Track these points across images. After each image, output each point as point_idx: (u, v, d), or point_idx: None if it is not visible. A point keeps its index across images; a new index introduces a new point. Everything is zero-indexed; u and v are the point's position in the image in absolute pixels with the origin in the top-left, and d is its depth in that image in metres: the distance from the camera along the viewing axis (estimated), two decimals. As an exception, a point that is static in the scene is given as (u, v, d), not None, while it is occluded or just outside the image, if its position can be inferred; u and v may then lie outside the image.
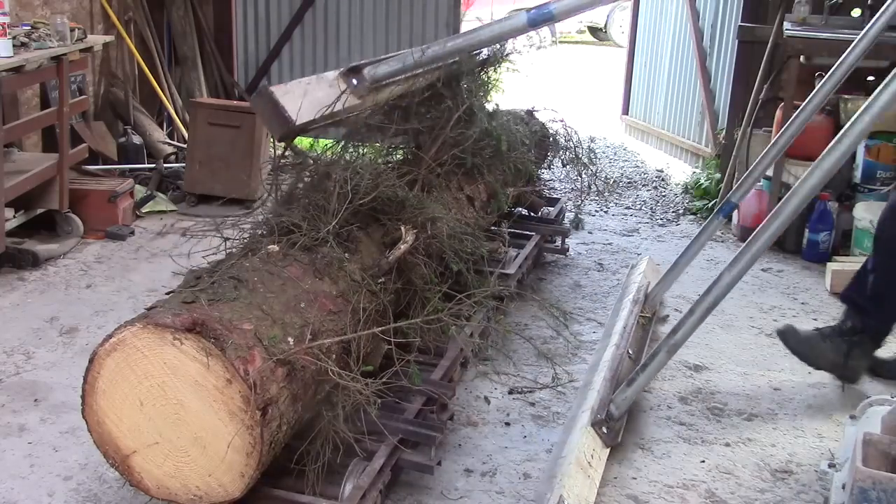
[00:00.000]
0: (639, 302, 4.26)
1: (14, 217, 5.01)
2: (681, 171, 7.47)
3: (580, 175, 5.42)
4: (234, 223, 3.17)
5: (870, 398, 3.08)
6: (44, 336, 4.11)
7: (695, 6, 7.34)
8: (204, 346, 2.33)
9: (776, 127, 5.64)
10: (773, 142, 4.18)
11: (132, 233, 5.52)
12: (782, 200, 3.10)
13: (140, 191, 6.04)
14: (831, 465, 2.77)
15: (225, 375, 2.33)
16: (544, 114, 5.53)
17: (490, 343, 3.94)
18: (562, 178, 6.25)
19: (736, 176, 6.01)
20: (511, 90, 6.96)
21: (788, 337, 3.81)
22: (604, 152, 8.22)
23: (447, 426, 3.19)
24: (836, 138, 2.97)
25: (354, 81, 3.44)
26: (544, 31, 3.98)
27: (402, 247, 3.20)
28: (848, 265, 5.05)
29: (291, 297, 2.70)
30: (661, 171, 7.68)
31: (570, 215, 5.91)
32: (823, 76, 5.58)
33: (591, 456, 3.02)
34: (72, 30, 5.16)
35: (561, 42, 16.28)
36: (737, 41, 6.48)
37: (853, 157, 5.50)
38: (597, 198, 6.48)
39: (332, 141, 3.85)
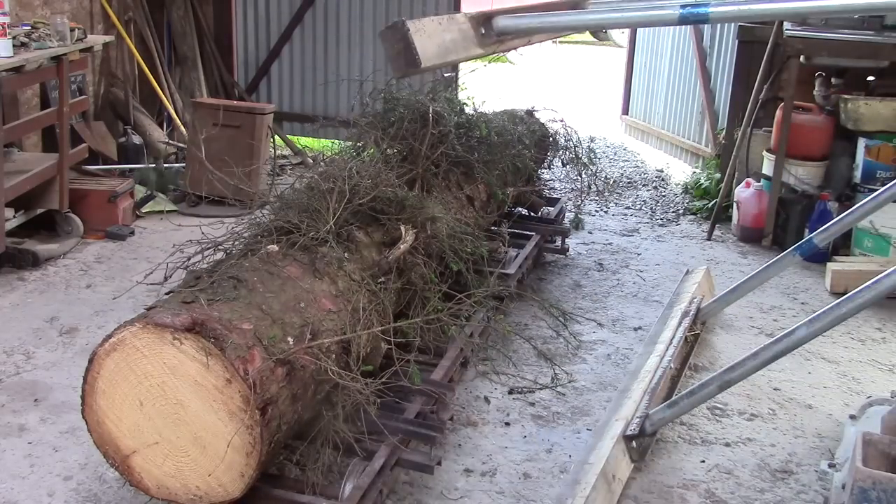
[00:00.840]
0: (690, 315, 4.14)
1: (14, 217, 5.02)
2: (680, 171, 7.47)
3: (580, 175, 5.43)
4: (233, 223, 3.18)
5: (870, 398, 3.09)
6: (44, 336, 4.11)
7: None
8: (203, 345, 2.33)
9: (776, 127, 5.64)
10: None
11: (132, 233, 5.52)
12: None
13: (140, 191, 6.04)
14: (831, 465, 2.77)
15: (224, 375, 2.33)
16: (544, 114, 5.53)
17: (490, 343, 3.94)
18: (562, 178, 6.24)
19: (736, 176, 6.02)
20: (511, 90, 6.96)
21: None
22: (604, 152, 8.22)
23: (447, 426, 3.19)
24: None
25: (482, 31, 3.36)
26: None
27: (402, 246, 3.20)
28: (848, 265, 5.05)
29: (291, 297, 2.70)
30: (661, 171, 7.68)
31: (570, 215, 5.91)
32: (823, 76, 5.64)
33: (617, 469, 2.99)
34: (72, 30, 5.16)
35: (561, 42, 16.27)
36: (737, 41, 6.48)
37: (853, 157, 5.51)
38: (597, 198, 6.48)
39: (331, 141, 3.85)
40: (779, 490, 3.08)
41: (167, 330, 2.35)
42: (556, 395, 3.71)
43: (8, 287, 4.66)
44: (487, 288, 3.53)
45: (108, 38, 6.15)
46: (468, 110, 4.51)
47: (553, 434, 3.41)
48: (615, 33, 16.69)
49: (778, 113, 5.62)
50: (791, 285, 5.03)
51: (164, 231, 5.47)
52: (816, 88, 5.64)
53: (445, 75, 6.19)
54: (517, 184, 4.91)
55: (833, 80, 5.59)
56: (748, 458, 3.28)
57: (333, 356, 2.71)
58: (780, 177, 5.59)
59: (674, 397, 3.25)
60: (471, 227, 3.93)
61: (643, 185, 7.26)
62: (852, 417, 3.01)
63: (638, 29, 8.47)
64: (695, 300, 4.31)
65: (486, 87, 6.75)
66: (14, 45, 4.61)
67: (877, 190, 5.26)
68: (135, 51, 6.79)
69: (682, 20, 2.85)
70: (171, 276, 2.96)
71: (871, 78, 5.54)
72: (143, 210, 5.94)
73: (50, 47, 4.89)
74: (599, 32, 17.52)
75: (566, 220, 5.68)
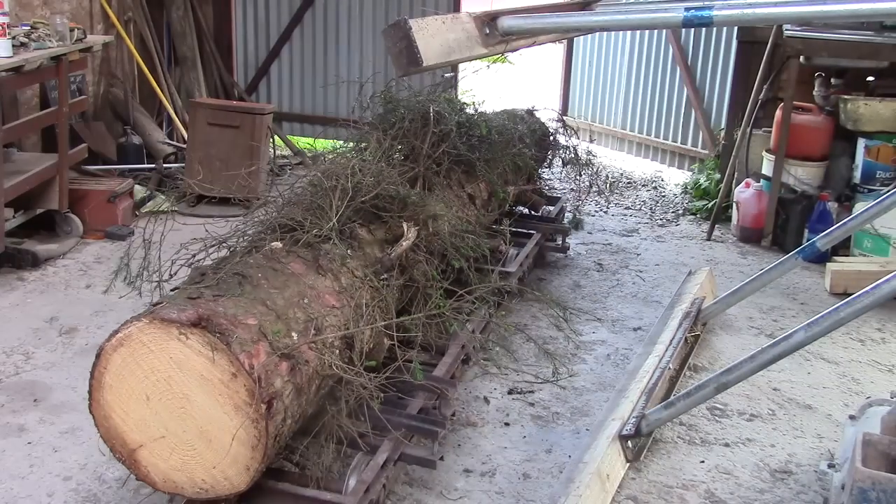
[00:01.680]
0: (690, 316, 4.14)
1: (14, 217, 5.02)
2: (653, 170, 7.49)
3: (579, 174, 5.43)
4: (237, 222, 3.18)
5: (869, 398, 3.09)
6: (43, 336, 4.11)
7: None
8: (209, 340, 2.34)
9: (776, 127, 5.65)
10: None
11: (132, 233, 5.51)
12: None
13: (140, 191, 6.04)
14: (831, 466, 2.77)
15: (230, 369, 2.35)
16: (544, 113, 5.54)
17: (491, 340, 3.94)
18: (561, 177, 6.24)
19: (736, 176, 6.02)
20: (511, 90, 6.96)
21: None
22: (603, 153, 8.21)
23: (450, 421, 3.20)
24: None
25: (487, 31, 3.35)
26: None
27: (404, 244, 3.22)
28: (847, 266, 5.05)
29: (295, 293, 2.72)
30: (661, 171, 7.68)
31: (569, 216, 5.91)
32: (823, 76, 5.64)
33: (612, 469, 3.00)
34: (71, 30, 5.16)
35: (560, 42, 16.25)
36: (735, 40, 6.48)
37: (853, 157, 5.51)
38: (597, 197, 6.48)
39: (331, 141, 3.86)
40: (778, 490, 3.08)
41: (173, 325, 2.36)
42: (556, 395, 3.71)
43: (7, 287, 4.66)
44: (489, 284, 3.54)
45: (108, 39, 6.16)
46: (469, 110, 4.52)
47: (552, 434, 3.41)
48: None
49: (778, 113, 5.62)
50: (791, 285, 5.02)
51: (170, 228, 5.46)
52: (816, 89, 5.64)
53: (445, 75, 6.18)
54: (518, 182, 4.92)
55: (833, 80, 5.60)
56: (748, 458, 3.28)
57: (337, 351, 2.72)
58: (779, 177, 5.60)
59: (671, 398, 3.25)
60: (472, 226, 3.94)
61: (643, 186, 7.26)
62: (852, 418, 3.00)
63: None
64: (696, 301, 4.30)
65: (487, 87, 6.75)
66: (14, 46, 4.60)
67: (876, 190, 5.29)
68: (134, 51, 6.79)
69: (686, 23, 2.85)
70: (175, 274, 2.96)
71: (870, 78, 5.54)
72: (143, 210, 5.94)
73: (49, 47, 4.89)
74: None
75: (566, 220, 5.69)
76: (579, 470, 2.91)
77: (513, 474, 3.14)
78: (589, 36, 8.11)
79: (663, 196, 6.95)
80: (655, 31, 7.32)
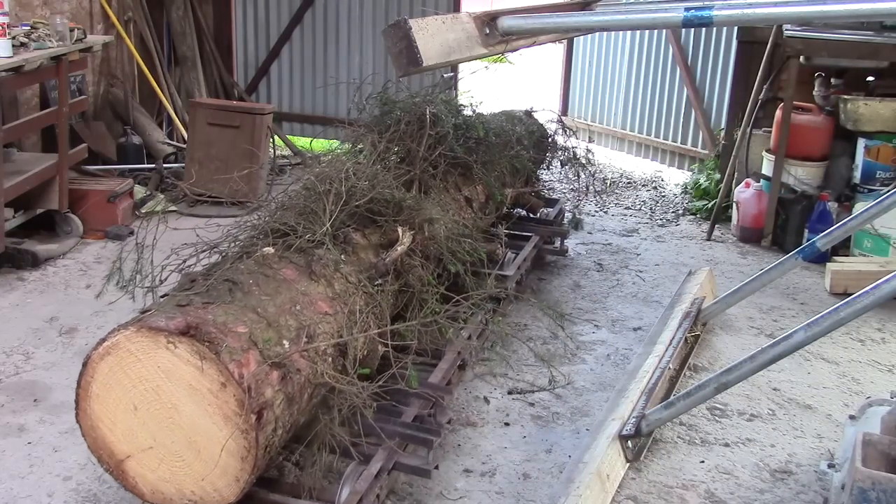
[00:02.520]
0: (690, 316, 4.13)
1: (14, 217, 5.02)
2: (653, 170, 7.48)
3: (578, 175, 5.42)
4: (231, 225, 3.14)
5: (869, 398, 3.08)
6: (43, 336, 4.11)
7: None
8: (198, 349, 2.30)
9: (776, 127, 5.65)
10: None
11: (132, 233, 5.51)
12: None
13: (140, 191, 6.04)
14: (831, 466, 2.77)
15: (219, 379, 2.31)
16: (543, 114, 5.51)
17: (489, 344, 3.93)
18: (560, 178, 6.21)
19: (736, 176, 6.02)
20: (512, 90, 6.96)
21: None
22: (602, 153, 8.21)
23: (445, 429, 3.18)
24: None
25: (487, 31, 3.33)
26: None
27: (399, 248, 3.18)
28: (847, 265, 5.05)
29: (287, 300, 2.68)
30: (661, 171, 7.68)
31: (568, 216, 5.89)
32: (823, 76, 5.64)
33: (612, 469, 3.00)
34: (71, 30, 5.16)
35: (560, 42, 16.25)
36: (735, 40, 6.48)
37: (853, 157, 5.51)
38: (595, 198, 6.47)
39: (331, 141, 3.83)
40: (778, 490, 3.08)
41: (161, 333, 2.32)
42: (556, 395, 3.71)
43: (7, 287, 4.66)
44: (484, 290, 3.50)
45: (108, 39, 6.16)
46: (467, 111, 4.50)
47: (552, 434, 3.41)
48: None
49: (778, 113, 5.62)
50: (791, 285, 5.02)
51: (163, 231, 5.45)
52: (816, 89, 5.64)
53: (445, 76, 6.18)
54: (516, 185, 4.90)
55: (833, 80, 5.60)
56: (748, 458, 3.28)
57: (330, 359, 2.69)
58: (779, 177, 5.60)
59: (671, 398, 3.25)
60: (469, 229, 3.91)
61: (643, 186, 7.26)
62: (852, 418, 3.00)
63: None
64: (696, 301, 4.30)
65: (487, 88, 6.75)
66: (14, 46, 4.61)
67: (876, 190, 5.29)
68: (134, 51, 6.79)
69: (686, 23, 2.85)
70: (166, 280, 2.91)
71: (870, 78, 5.54)
72: (143, 210, 5.94)
73: (49, 47, 4.89)
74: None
75: (565, 221, 5.67)
76: (579, 470, 2.91)
77: (513, 474, 3.14)
78: (589, 36, 8.09)
79: (663, 196, 6.95)
80: (655, 31, 7.32)
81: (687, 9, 2.81)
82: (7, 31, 4.52)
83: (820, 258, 4.91)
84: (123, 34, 6.74)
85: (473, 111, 4.59)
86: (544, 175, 5.90)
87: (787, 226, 5.62)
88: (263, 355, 2.42)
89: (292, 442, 2.68)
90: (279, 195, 3.34)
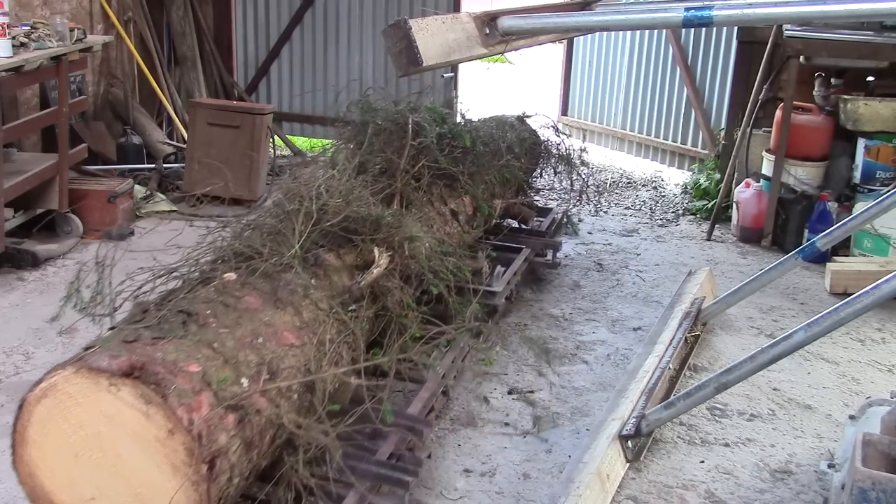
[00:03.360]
0: (690, 316, 4.12)
1: (14, 217, 5.02)
2: (653, 170, 7.46)
3: (572, 183, 5.23)
4: (191, 248, 2.85)
5: (869, 398, 3.08)
6: (43, 336, 4.11)
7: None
8: (143, 392, 2.08)
9: (776, 127, 5.65)
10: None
11: (132, 233, 5.51)
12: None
13: (140, 191, 6.04)
14: (831, 466, 2.77)
15: (166, 425, 2.08)
16: (536, 119, 5.30)
17: (488, 344, 3.93)
18: (554, 185, 5.98)
19: (736, 176, 6.02)
20: (512, 91, 6.95)
21: None
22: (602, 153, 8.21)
23: (423, 466, 2.97)
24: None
25: (487, 31, 3.31)
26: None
27: (376, 271, 2.93)
28: (847, 265, 5.05)
29: (248, 332, 2.43)
30: (661, 171, 7.68)
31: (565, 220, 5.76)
32: (823, 76, 5.64)
33: (612, 469, 2.99)
34: (71, 30, 5.16)
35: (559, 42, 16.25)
36: (735, 39, 6.48)
37: (853, 157, 5.51)
38: (592, 202, 6.39)
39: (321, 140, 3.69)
40: (778, 490, 3.08)
41: (103, 375, 2.09)
42: (556, 395, 3.71)
43: (7, 287, 4.66)
44: (463, 324, 3.20)
45: (108, 39, 6.16)
46: (455, 118, 4.31)
47: (552, 434, 3.41)
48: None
49: (778, 113, 5.62)
50: (791, 285, 5.03)
51: (164, 232, 5.46)
52: (816, 89, 5.64)
53: (445, 76, 6.18)
54: (506, 195, 4.66)
55: (833, 80, 5.60)
56: (748, 458, 3.28)
57: (295, 396, 2.45)
58: (779, 177, 5.60)
59: (671, 398, 3.25)
60: (454, 246, 3.68)
61: (642, 186, 7.26)
62: (852, 418, 3.00)
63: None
64: (696, 301, 4.30)
65: (486, 88, 6.75)
66: (14, 46, 4.61)
67: (876, 190, 5.29)
68: (134, 51, 6.80)
69: (686, 23, 2.85)
70: (120, 307, 2.63)
71: (870, 78, 5.55)
72: (143, 210, 5.94)
73: (49, 47, 4.89)
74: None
75: (562, 229, 5.46)
76: (579, 470, 2.91)
77: (513, 474, 3.14)
78: (589, 36, 8.09)
79: (663, 196, 6.95)
80: (655, 31, 7.32)
81: (687, 9, 2.82)
82: (7, 31, 4.52)
83: (820, 258, 4.91)
84: (123, 34, 6.74)
85: (463, 117, 4.41)
86: (538, 181, 5.66)
87: (787, 226, 5.62)
88: (218, 397, 2.18)
89: (258, 480, 2.47)
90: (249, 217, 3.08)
